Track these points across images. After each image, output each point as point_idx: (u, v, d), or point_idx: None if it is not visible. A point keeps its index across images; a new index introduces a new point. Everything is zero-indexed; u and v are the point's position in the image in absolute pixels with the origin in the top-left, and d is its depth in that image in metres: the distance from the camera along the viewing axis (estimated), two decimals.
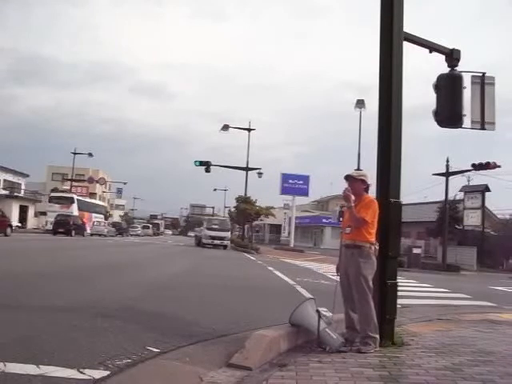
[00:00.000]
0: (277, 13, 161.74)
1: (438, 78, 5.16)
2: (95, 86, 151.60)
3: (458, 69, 5.21)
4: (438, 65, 5.33)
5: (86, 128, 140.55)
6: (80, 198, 45.92)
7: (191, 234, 65.85)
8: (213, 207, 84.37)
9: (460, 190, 33.43)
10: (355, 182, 4.41)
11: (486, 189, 31.31)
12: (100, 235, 39.26)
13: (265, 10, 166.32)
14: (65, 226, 33.68)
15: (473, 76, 5.32)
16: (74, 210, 40.66)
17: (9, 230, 27.48)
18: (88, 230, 39.87)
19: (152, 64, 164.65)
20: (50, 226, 36.92)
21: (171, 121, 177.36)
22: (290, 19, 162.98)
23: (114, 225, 52.85)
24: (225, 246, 31.69)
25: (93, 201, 53.05)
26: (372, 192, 4.67)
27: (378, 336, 4.23)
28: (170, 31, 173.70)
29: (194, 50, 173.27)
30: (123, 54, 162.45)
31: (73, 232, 33.78)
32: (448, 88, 5.08)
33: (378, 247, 4.33)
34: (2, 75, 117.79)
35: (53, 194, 44.03)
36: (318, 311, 4.24)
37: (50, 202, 41.77)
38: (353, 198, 4.39)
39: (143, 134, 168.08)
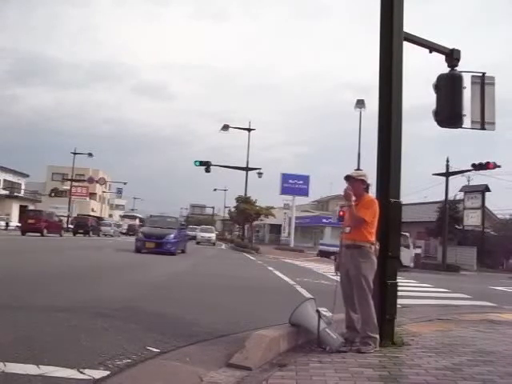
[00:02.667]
0: (277, 13, 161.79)
1: (438, 78, 5.16)
2: (96, 85, 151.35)
3: (458, 69, 5.21)
4: (438, 65, 5.34)
5: (87, 128, 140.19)
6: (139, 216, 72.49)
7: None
8: (213, 207, 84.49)
9: (460, 190, 33.50)
10: (355, 182, 4.43)
11: (486, 189, 31.34)
12: (106, 235, 42.84)
13: (265, 11, 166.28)
14: (84, 227, 37.92)
15: (473, 76, 5.32)
16: (137, 222, 62.17)
17: (62, 231, 32.66)
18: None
19: (153, 64, 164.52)
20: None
21: (172, 121, 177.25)
22: (291, 19, 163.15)
23: (129, 227, 56.72)
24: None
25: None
26: (372, 192, 4.68)
27: (377, 336, 4.23)
28: (170, 31, 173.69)
29: (194, 50, 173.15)
30: (124, 54, 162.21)
31: (90, 232, 37.91)
32: (448, 88, 5.08)
33: (378, 247, 4.33)
34: (4, 75, 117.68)
35: (124, 214, 68.10)
36: (318, 311, 4.24)
37: (123, 217, 63.11)
38: (353, 197, 4.41)
39: (144, 133, 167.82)
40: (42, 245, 19.96)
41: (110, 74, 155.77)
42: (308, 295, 7.60)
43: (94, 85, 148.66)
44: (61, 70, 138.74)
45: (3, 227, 37.96)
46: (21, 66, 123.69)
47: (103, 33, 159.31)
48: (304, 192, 46.63)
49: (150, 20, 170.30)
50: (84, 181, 54.95)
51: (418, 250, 27.64)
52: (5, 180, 48.96)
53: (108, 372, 3.18)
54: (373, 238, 4.27)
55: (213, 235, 40.80)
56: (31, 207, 50.84)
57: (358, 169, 25.49)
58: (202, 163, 32.99)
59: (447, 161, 27.67)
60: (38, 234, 28.09)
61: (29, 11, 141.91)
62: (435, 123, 5.19)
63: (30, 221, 28.50)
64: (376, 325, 4.23)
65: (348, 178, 4.47)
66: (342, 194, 4.50)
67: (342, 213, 30.38)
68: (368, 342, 4.17)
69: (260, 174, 40.59)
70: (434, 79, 5.19)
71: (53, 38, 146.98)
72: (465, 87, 5.14)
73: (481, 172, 26.45)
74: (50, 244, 21.12)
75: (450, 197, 30.60)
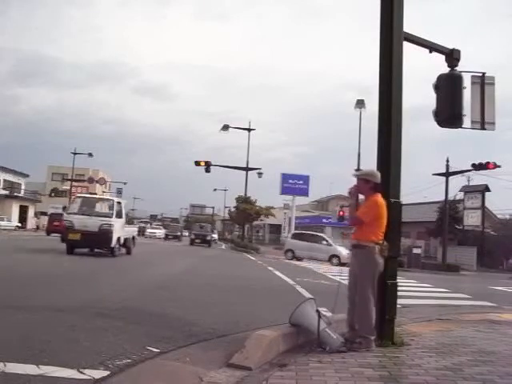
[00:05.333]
0: (278, 14, 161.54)
1: (438, 78, 5.16)
2: (97, 86, 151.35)
3: (458, 69, 5.21)
4: (438, 65, 5.33)
5: (87, 128, 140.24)
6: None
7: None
8: (213, 207, 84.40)
9: (460, 190, 33.48)
10: (360, 181, 4.43)
11: (486, 189, 31.32)
12: None
13: (266, 12, 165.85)
14: None
15: (473, 76, 5.32)
16: (148, 225, 64.49)
17: None
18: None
19: (154, 65, 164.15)
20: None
21: (172, 121, 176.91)
22: (292, 20, 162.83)
23: (140, 228, 58.74)
24: None
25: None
26: None
27: (371, 337, 4.20)
28: (172, 32, 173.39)
29: (196, 51, 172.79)
30: (126, 54, 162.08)
31: None
32: (448, 88, 5.07)
33: (386, 247, 4.26)
34: (5, 76, 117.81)
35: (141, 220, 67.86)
36: (317, 311, 4.23)
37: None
38: (359, 196, 4.43)
39: (144, 133, 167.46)
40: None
41: (111, 74, 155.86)
42: (308, 295, 7.61)
43: (95, 85, 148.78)
44: (62, 70, 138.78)
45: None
46: (22, 66, 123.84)
47: (105, 33, 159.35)
48: (304, 192, 46.59)
49: (152, 20, 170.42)
50: (84, 181, 54.92)
51: (418, 250, 27.58)
52: (5, 180, 48.93)
53: (108, 372, 3.18)
54: (377, 238, 4.23)
55: None
56: (31, 208, 50.94)
57: (358, 169, 25.44)
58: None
59: (447, 161, 27.68)
60: (59, 235, 30.30)
61: (31, 12, 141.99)
62: (435, 123, 5.18)
63: (56, 223, 31.04)
64: (372, 326, 4.20)
65: (354, 176, 4.52)
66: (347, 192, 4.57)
67: (341, 213, 30.39)
68: (361, 341, 4.16)
69: (260, 174, 40.67)
70: (434, 79, 5.19)
71: (55, 39, 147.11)
72: (465, 87, 5.14)
73: (481, 172, 26.40)
74: None
75: (450, 197, 30.61)
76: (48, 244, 19.80)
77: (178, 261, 16.51)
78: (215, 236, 48.43)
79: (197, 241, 35.25)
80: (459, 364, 3.87)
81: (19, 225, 43.08)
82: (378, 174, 4.42)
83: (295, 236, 26.69)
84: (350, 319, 4.39)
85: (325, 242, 25.08)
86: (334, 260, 23.53)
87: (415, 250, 26.88)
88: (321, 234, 27.56)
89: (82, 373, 3.11)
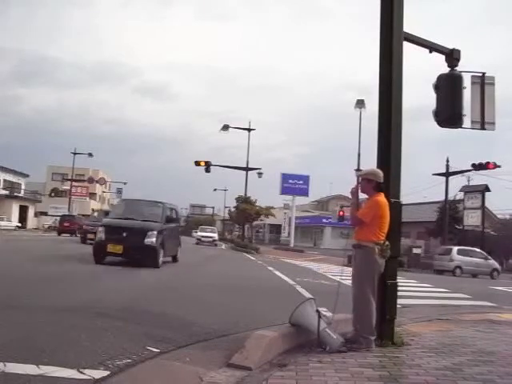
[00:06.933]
0: (278, 14, 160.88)
1: (438, 78, 5.16)
2: (98, 86, 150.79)
3: (458, 69, 5.21)
4: (438, 65, 5.34)
5: (88, 128, 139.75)
6: None
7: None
8: (213, 207, 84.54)
9: (460, 190, 33.50)
10: (362, 181, 4.44)
11: (486, 189, 31.32)
12: None
13: (266, 12, 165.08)
14: None
15: (473, 76, 5.32)
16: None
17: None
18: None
19: (155, 64, 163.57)
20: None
21: (173, 121, 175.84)
22: (292, 20, 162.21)
23: None
24: None
25: None
26: None
27: (371, 337, 4.20)
28: (172, 32, 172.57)
29: (196, 51, 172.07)
30: (126, 54, 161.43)
31: None
32: (448, 88, 5.07)
33: (386, 247, 4.24)
34: (6, 76, 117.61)
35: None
36: (317, 311, 4.23)
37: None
38: (362, 196, 4.45)
39: (145, 134, 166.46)
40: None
41: (112, 74, 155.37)
42: (308, 295, 7.60)
43: (95, 85, 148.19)
44: (62, 70, 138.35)
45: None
46: (24, 66, 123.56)
47: (105, 33, 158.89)
48: (304, 192, 46.70)
49: (152, 20, 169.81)
50: (84, 181, 54.94)
51: (418, 250, 27.61)
52: (5, 180, 48.98)
53: (108, 372, 3.18)
54: (378, 239, 4.21)
55: None
56: (31, 208, 51.02)
57: (358, 169, 25.46)
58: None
59: (447, 161, 27.76)
60: (69, 235, 33.01)
61: (31, 12, 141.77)
62: (435, 123, 5.19)
63: (66, 224, 34.31)
64: (372, 326, 4.20)
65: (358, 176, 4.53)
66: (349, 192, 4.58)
67: (341, 213, 30.42)
68: (360, 341, 4.15)
69: (260, 174, 40.71)
70: (434, 79, 5.20)
71: (55, 39, 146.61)
72: (465, 87, 5.14)
73: (481, 172, 26.47)
74: None
75: (450, 197, 30.68)
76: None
77: (178, 261, 16.46)
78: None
79: (110, 249, 11.45)
80: (459, 364, 3.87)
81: (19, 225, 43.13)
82: (381, 174, 4.42)
83: (461, 252, 23.85)
84: (354, 319, 4.38)
85: (483, 256, 23.94)
86: (495, 274, 23.03)
87: (415, 250, 26.90)
88: (476, 249, 25.13)
89: (82, 373, 3.11)
